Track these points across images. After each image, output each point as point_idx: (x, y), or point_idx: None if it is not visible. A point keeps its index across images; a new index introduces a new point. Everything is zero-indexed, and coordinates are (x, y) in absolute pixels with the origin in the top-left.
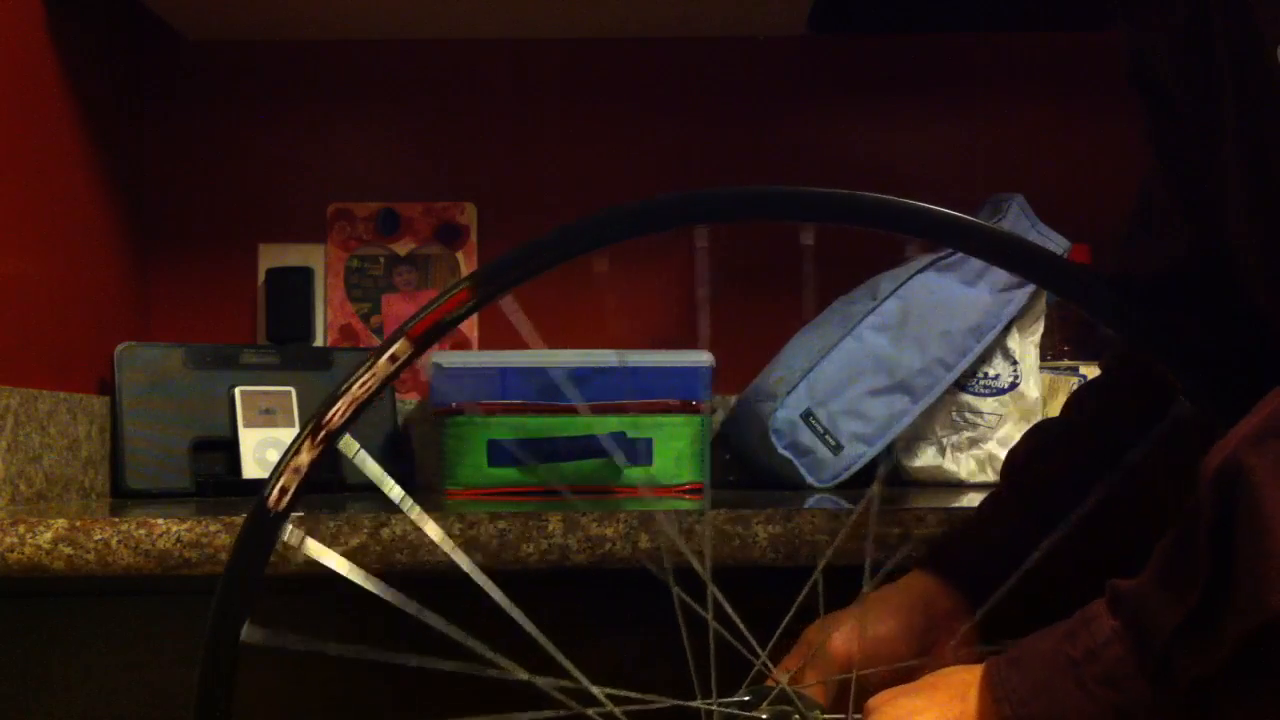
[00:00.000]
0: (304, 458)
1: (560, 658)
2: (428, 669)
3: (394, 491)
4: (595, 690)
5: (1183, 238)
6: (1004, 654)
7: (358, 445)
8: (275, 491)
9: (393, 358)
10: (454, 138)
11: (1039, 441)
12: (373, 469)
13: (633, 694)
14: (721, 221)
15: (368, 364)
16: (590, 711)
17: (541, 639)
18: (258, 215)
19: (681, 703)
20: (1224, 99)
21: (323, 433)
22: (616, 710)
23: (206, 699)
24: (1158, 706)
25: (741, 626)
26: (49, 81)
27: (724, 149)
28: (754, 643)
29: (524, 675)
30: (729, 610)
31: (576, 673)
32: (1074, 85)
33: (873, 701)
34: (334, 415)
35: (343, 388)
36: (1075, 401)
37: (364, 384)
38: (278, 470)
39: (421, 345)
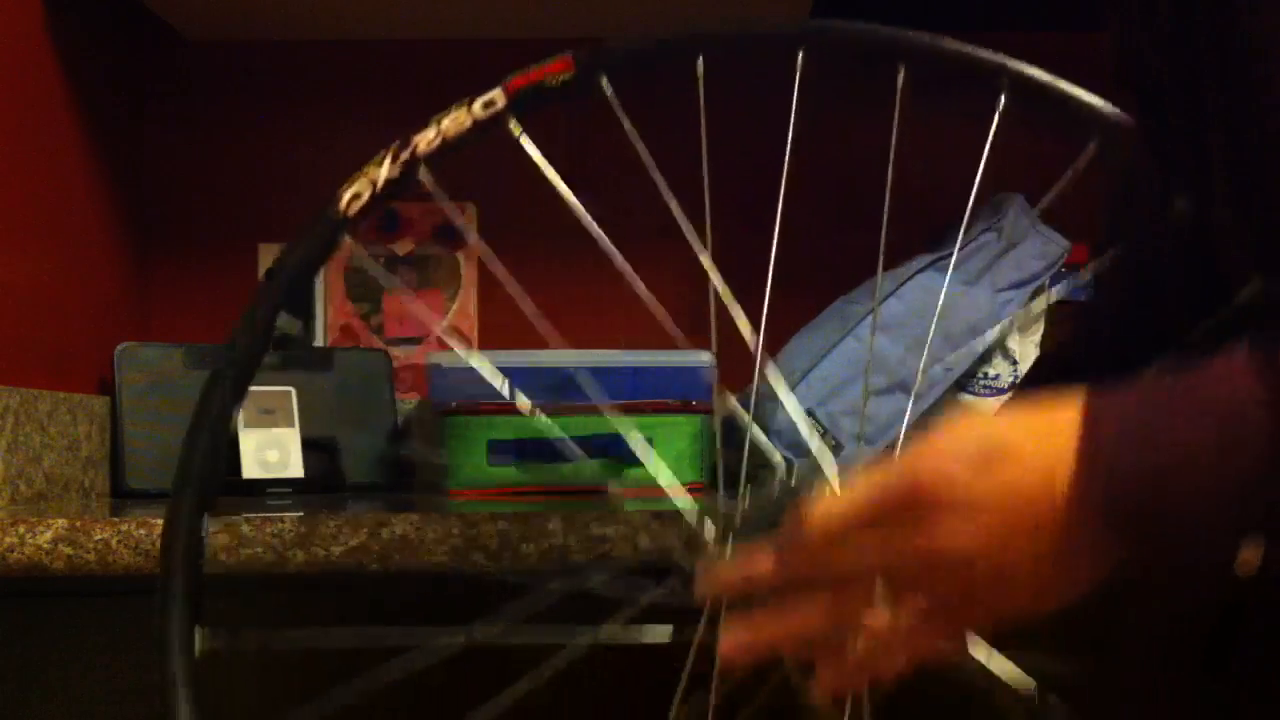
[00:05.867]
0: (383, 170)
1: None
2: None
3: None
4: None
5: (1172, 228)
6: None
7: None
8: (347, 196)
9: (486, 104)
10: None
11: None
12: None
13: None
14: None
15: (462, 104)
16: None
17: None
18: (258, 215)
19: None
20: (1208, 93)
21: (408, 152)
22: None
23: (194, 447)
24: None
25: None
26: (49, 81)
27: (724, 148)
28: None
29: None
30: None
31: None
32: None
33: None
34: (421, 140)
35: (435, 117)
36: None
37: (456, 119)
38: (354, 176)
39: (515, 101)
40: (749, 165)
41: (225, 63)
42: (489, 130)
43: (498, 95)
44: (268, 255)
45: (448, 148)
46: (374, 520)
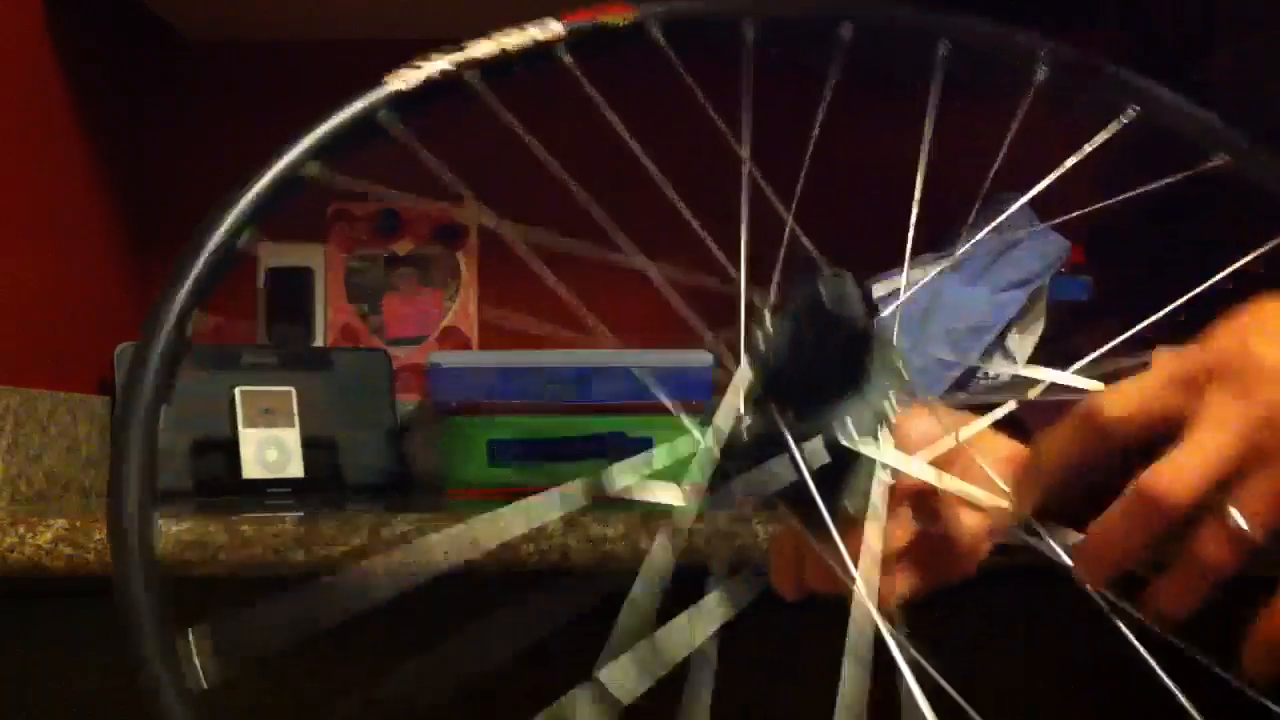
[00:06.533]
0: (433, 63)
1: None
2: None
3: None
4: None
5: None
6: None
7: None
8: (398, 75)
9: (543, 27)
10: (454, 137)
11: None
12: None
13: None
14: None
15: (519, 27)
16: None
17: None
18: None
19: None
20: (1219, 17)
21: (464, 56)
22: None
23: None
24: None
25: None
26: (49, 81)
27: (725, 147)
28: None
29: None
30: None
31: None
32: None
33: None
34: (477, 48)
35: (490, 34)
36: None
37: (513, 36)
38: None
39: (573, 36)
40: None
41: (225, 63)
42: (544, 55)
43: (555, 23)
44: (268, 255)
45: (506, 60)
46: (374, 520)
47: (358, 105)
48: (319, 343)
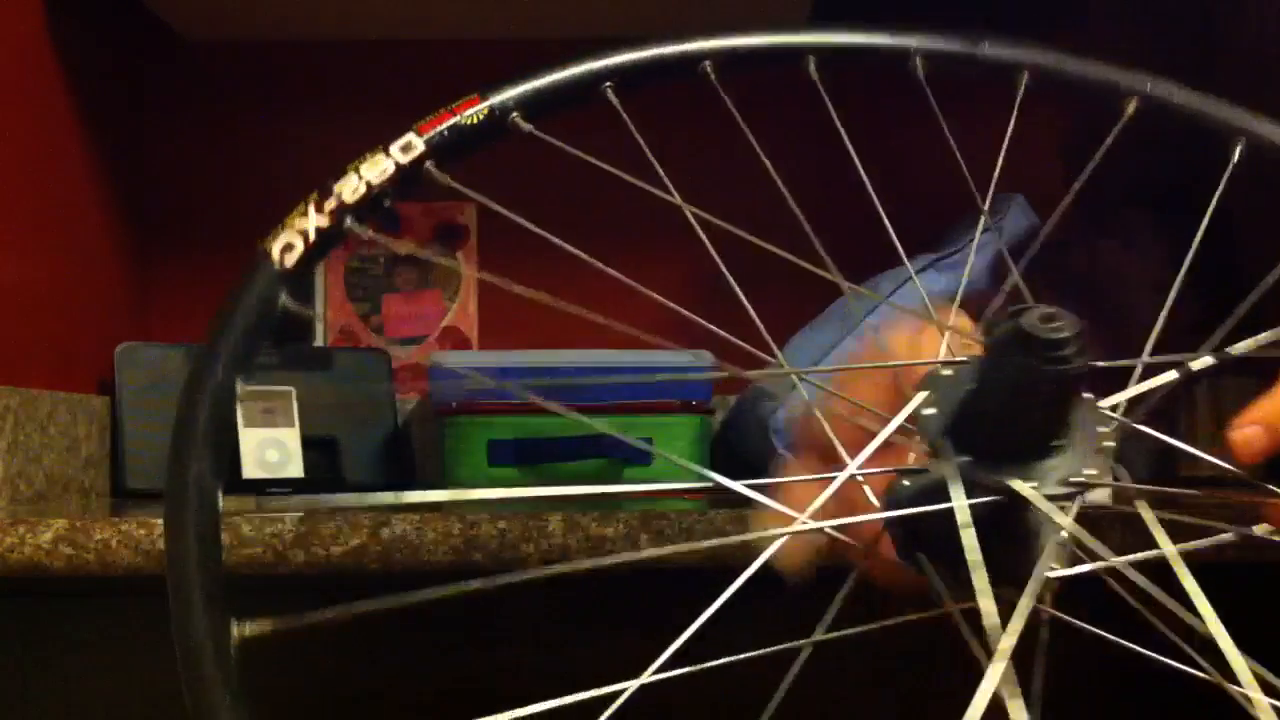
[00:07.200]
0: (310, 220)
1: None
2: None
3: None
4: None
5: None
6: None
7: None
8: (278, 248)
9: (404, 148)
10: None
11: None
12: None
13: None
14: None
15: (377, 150)
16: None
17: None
18: (258, 215)
19: None
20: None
21: (334, 201)
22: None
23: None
24: None
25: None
26: (49, 81)
27: (724, 147)
28: None
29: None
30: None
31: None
32: None
33: None
34: (345, 188)
35: (352, 164)
36: None
37: (376, 165)
38: (276, 229)
39: (431, 144)
40: (744, 166)
41: (225, 63)
42: (415, 175)
43: (414, 139)
44: None
45: (375, 195)
46: (374, 520)
47: (260, 294)
48: (319, 343)
